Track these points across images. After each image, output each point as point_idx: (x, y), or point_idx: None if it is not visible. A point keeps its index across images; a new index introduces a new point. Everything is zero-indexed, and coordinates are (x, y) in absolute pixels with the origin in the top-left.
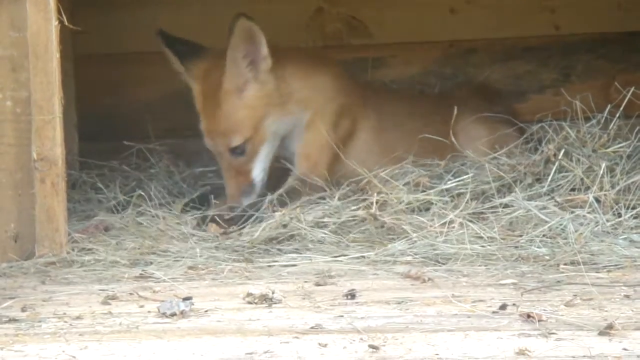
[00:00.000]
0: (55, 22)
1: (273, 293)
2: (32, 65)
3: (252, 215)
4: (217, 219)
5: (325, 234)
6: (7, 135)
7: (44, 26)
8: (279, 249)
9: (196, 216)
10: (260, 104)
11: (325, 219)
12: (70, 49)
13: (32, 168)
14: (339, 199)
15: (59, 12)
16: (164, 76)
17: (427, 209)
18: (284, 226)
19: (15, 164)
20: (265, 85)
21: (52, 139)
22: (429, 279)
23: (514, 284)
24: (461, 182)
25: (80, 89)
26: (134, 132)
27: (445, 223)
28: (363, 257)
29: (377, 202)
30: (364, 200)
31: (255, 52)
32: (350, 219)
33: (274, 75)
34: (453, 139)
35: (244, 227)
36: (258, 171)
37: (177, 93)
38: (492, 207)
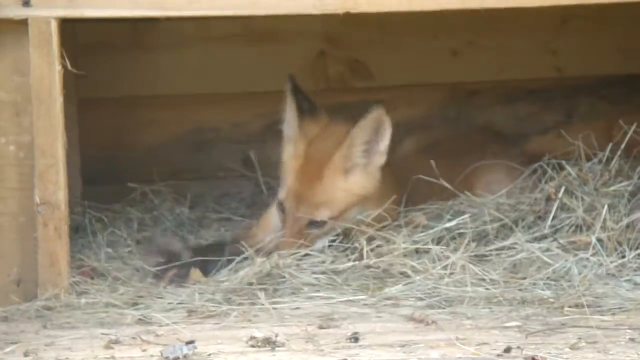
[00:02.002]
0: (58, 67)
1: (276, 336)
2: (35, 110)
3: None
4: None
5: (324, 281)
6: (11, 179)
7: (47, 71)
8: (275, 289)
9: (157, 269)
10: (358, 193)
11: (309, 265)
12: (73, 92)
13: (35, 212)
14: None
15: (62, 57)
16: (166, 120)
17: (426, 251)
18: (263, 272)
19: (18, 207)
20: (371, 179)
21: (55, 183)
22: (433, 322)
23: (518, 326)
24: (461, 222)
25: (83, 132)
26: (136, 175)
27: (446, 266)
28: (366, 299)
29: (368, 250)
30: (354, 248)
31: (375, 143)
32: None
33: (382, 173)
34: (446, 184)
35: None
36: (319, 246)
37: (179, 136)
38: (494, 249)
